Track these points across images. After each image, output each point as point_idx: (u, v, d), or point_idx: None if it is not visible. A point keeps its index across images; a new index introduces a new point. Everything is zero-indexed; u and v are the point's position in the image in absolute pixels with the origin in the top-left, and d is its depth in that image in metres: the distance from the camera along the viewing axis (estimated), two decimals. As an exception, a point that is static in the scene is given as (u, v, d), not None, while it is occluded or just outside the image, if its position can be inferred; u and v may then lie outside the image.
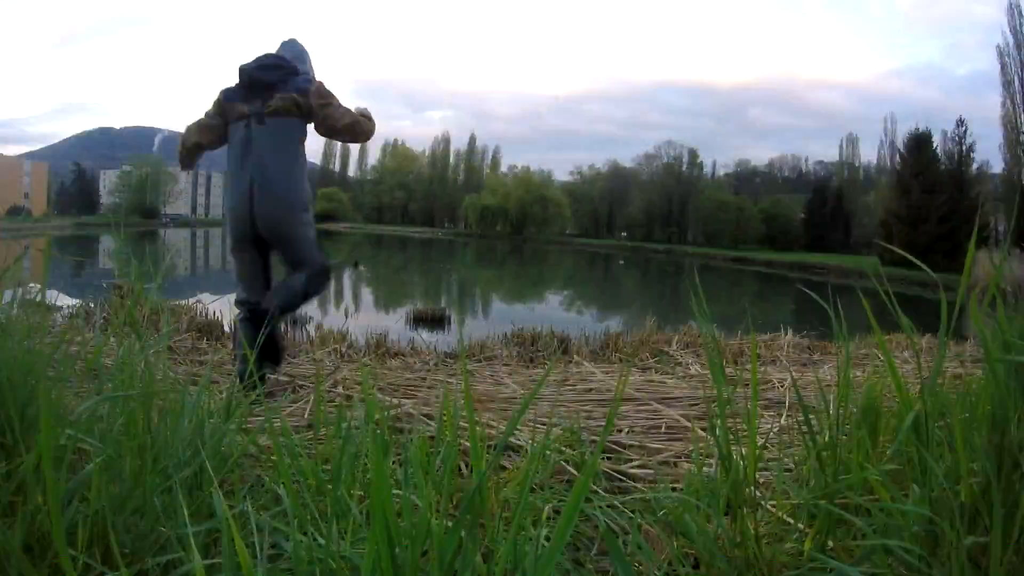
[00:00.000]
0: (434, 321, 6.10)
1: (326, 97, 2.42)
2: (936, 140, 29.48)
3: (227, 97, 2.43)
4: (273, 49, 2.56)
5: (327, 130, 2.46)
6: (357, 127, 2.47)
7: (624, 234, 58.35)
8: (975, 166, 29.13)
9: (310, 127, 2.48)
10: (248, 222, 2.32)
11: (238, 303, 2.47)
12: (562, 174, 73.13)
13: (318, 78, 2.55)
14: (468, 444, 0.95)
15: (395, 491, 0.89)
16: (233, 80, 2.47)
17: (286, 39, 2.60)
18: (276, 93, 2.36)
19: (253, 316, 2.33)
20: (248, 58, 2.48)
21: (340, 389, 2.55)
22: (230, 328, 3.78)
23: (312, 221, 2.48)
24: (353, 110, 2.50)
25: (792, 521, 1.04)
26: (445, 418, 1.10)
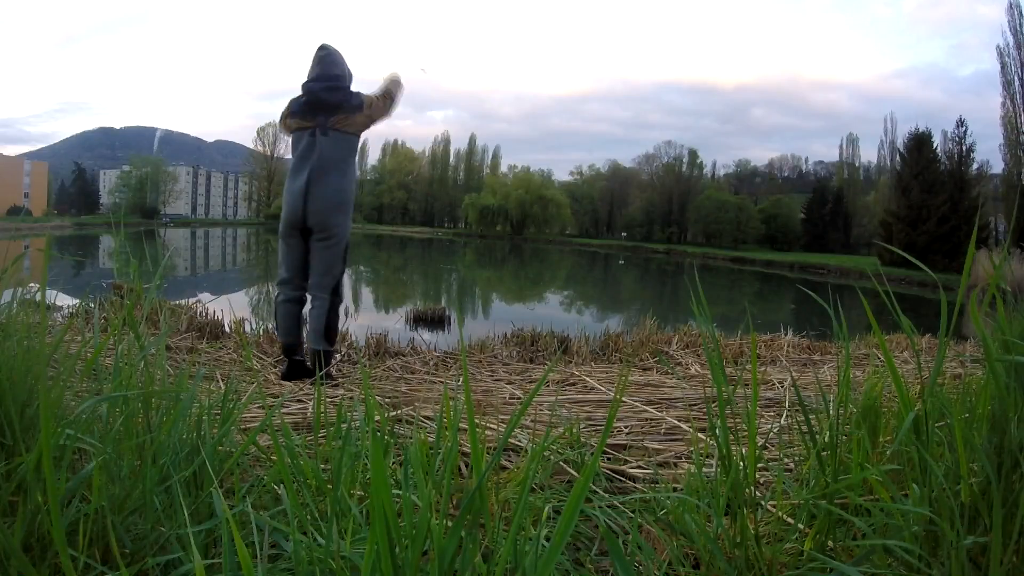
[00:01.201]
0: (434, 321, 6.10)
1: (370, 106, 2.85)
2: (936, 140, 29.49)
3: (292, 112, 2.85)
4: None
5: (374, 123, 2.93)
6: (388, 110, 2.94)
7: (624, 234, 58.32)
8: (975, 166, 29.09)
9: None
10: (300, 213, 2.73)
11: (279, 283, 2.89)
12: (562, 174, 73.31)
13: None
14: (468, 445, 0.95)
15: (395, 491, 0.89)
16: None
17: (320, 46, 2.91)
18: (338, 110, 2.78)
19: (292, 297, 2.83)
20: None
21: (342, 390, 2.55)
22: (230, 328, 3.79)
23: (349, 224, 2.86)
24: (381, 84, 2.97)
25: (792, 521, 1.04)
26: (445, 418, 1.10)
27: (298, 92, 2.87)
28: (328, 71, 2.85)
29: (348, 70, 2.93)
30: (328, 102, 2.78)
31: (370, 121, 2.86)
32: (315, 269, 2.79)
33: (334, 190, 2.76)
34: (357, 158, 2.92)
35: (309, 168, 2.73)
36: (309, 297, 2.82)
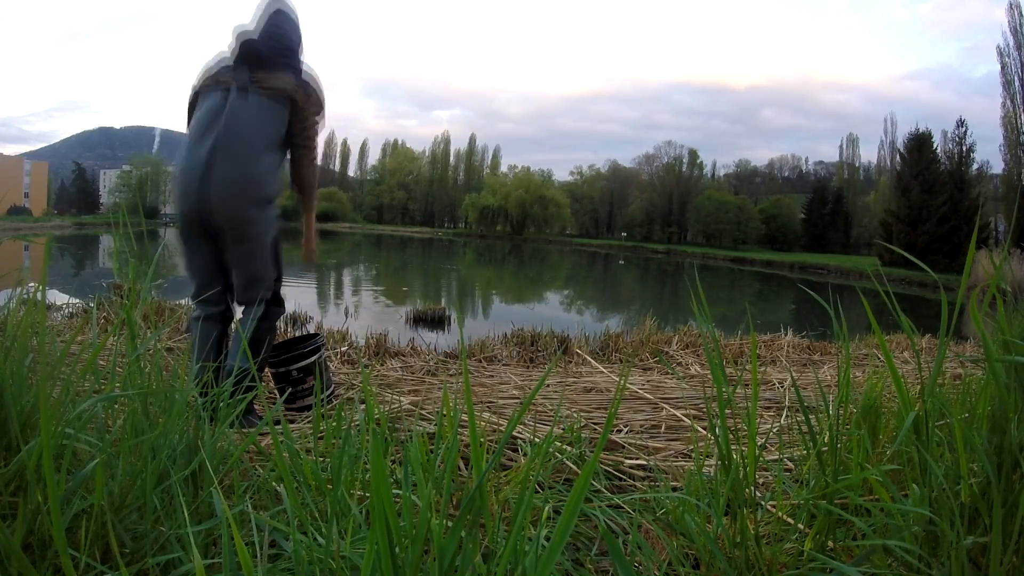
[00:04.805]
0: (434, 321, 6.10)
1: (310, 116, 2.09)
2: (936, 140, 29.47)
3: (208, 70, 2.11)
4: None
5: (301, 147, 2.11)
6: (318, 116, 2.12)
7: (624, 234, 58.35)
8: (976, 166, 29.09)
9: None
10: (199, 204, 1.96)
11: (193, 297, 2.13)
12: (562, 174, 73.46)
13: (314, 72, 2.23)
14: (468, 443, 0.94)
15: (395, 491, 0.89)
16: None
17: (272, 11, 2.13)
18: (270, 66, 2.05)
19: (211, 313, 2.08)
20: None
21: (342, 390, 2.55)
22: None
23: (272, 217, 2.05)
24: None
25: (792, 521, 1.04)
26: (445, 417, 1.10)
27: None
28: (280, 36, 2.10)
29: (301, 41, 2.18)
30: (261, 54, 2.05)
31: (304, 100, 2.05)
32: (238, 278, 2.06)
33: (246, 175, 1.96)
34: (282, 134, 2.05)
35: (214, 139, 1.96)
36: (238, 309, 2.12)
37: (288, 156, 2.13)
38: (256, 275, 2.05)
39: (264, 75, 2.02)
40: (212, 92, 2.04)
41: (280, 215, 2.09)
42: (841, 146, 60.52)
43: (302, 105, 2.06)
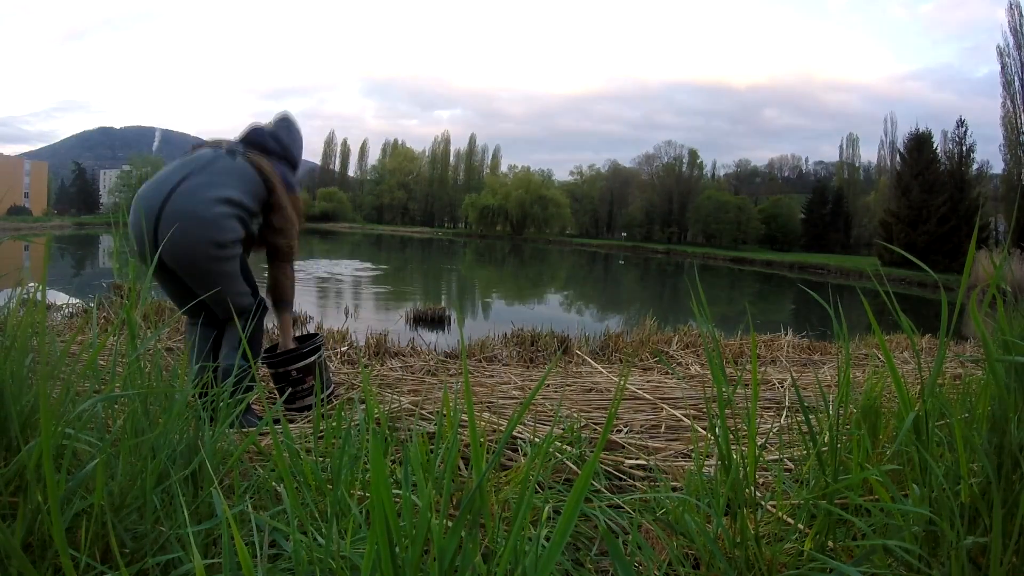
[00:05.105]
0: (434, 321, 6.10)
1: (292, 221, 2.19)
2: (936, 140, 29.44)
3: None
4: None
5: (272, 239, 2.18)
6: (289, 234, 2.20)
7: (624, 234, 58.35)
8: (975, 166, 29.06)
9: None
10: (151, 236, 1.92)
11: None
12: (563, 174, 73.49)
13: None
14: (468, 443, 0.94)
15: (395, 491, 0.89)
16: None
17: (283, 115, 2.40)
18: (263, 152, 2.20)
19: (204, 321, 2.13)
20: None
21: (342, 390, 2.55)
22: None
23: (225, 260, 2.02)
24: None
25: (792, 521, 1.04)
26: (445, 417, 1.10)
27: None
28: (281, 138, 2.30)
29: (298, 152, 2.38)
30: (262, 139, 2.25)
31: (282, 190, 2.16)
32: (213, 305, 2.04)
33: (197, 213, 1.94)
34: (248, 204, 2.08)
35: (185, 174, 2.01)
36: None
37: (258, 228, 2.18)
38: (231, 299, 2.04)
39: (256, 153, 2.19)
40: (207, 148, 2.18)
41: (237, 252, 2.06)
42: (841, 146, 60.53)
43: (279, 197, 2.16)
